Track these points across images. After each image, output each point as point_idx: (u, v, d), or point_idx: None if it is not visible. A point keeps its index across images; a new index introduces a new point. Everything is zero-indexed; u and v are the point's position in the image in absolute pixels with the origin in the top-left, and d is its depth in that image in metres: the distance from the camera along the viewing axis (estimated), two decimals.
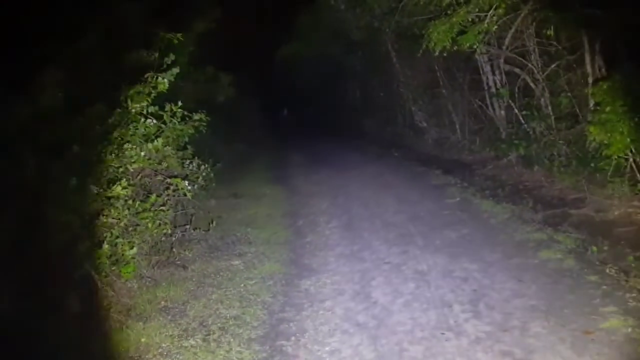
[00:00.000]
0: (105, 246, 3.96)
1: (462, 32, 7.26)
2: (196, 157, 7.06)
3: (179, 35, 5.60)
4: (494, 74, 9.56)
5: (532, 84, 8.54)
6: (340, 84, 20.90)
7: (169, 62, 5.79)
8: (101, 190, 3.96)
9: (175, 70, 6.01)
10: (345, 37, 15.43)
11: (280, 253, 5.80)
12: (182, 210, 6.73)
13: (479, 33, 7.13)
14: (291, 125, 30.87)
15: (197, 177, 6.96)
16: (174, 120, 6.51)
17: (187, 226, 6.41)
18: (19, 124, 3.62)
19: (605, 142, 5.48)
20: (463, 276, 4.57)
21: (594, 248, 4.82)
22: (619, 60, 5.74)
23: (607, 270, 4.29)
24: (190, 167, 6.63)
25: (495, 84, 9.54)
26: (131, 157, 4.92)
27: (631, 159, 5.61)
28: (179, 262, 5.44)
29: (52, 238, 3.56)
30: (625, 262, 4.49)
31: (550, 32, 6.57)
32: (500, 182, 8.30)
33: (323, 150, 16.51)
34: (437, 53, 7.87)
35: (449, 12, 7.48)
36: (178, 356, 3.54)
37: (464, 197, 7.60)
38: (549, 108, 8.08)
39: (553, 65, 7.97)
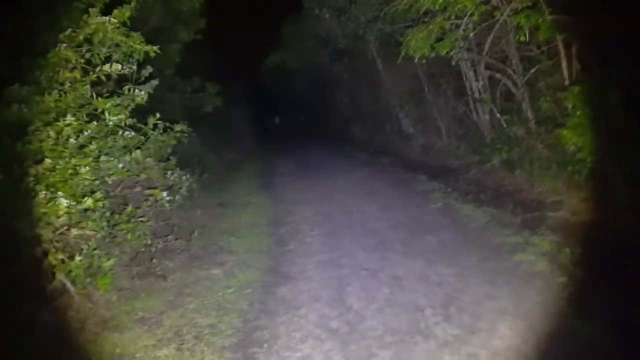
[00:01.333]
0: (78, 258, 3.98)
1: (441, 39, 7.35)
2: (178, 168, 7.12)
3: (156, 47, 5.64)
4: (476, 79, 9.67)
5: (512, 89, 8.66)
6: (330, 91, 21.04)
7: (147, 75, 5.87)
8: (73, 203, 4.00)
9: (155, 82, 6.07)
10: (332, 45, 15.55)
11: (261, 261, 5.84)
12: (166, 220, 6.80)
13: (456, 40, 7.24)
14: (282, 133, 31.01)
15: (179, 188, 7.02)
16: (155, 132, 6.58)
17: (170, 236, 6.46)
18: None
19: (579, 145, 5.57)
20: (438, 280, 4.63)
21: (567, 250, 4.90)
22: (593, 65, 5.83)
23: (577, 272, 4.36)
24: (172, 178, 6.68)
25: (478, 89, 9.64)
26: (109, 169, 4.95)
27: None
28: (159, 273, 5.46)
29: (23, 251, 3.60)
30: (596, 262, 4.55)
31: (525, 37, 6.67)
32: (483, 186, 8.37)
33: (312, 157, 16.60)
34: (416, 60, 7.97)
35: (426, 19, 7.58)
36: None
37: (447, 202, 7.67)
38: (529, 112, 8.19)
39: (533, 70, 8.09)
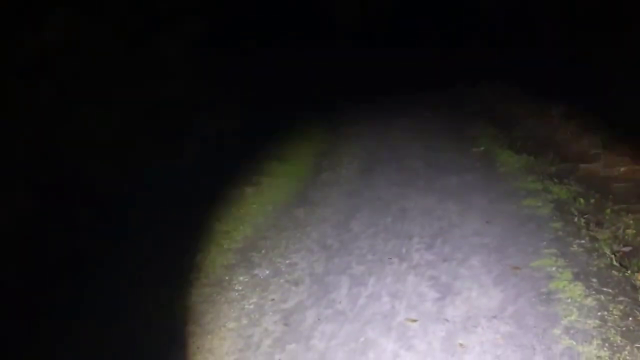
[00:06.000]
0: None
1: None
2: None
3: None
4: None
5: None
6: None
7: None
8: None
9: None
10: None
11: (291, 185, 6.31)
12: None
13: None
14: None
15: None
16: None
17: None
18: None
19: None
20: (440, 215, 4.87)
21: (581, 200, 4.92)
22: None
23: (576, 220, 4.43)
24: None
25: None
26: None
27: None
28: None
29: None
30: (602, 214, 4.57)
31: None
32: (535, 134, 8.19)
33: (393, 95, 16.49)
34: None
35: None
36: None
37: (491, 147, 7.64)
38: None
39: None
